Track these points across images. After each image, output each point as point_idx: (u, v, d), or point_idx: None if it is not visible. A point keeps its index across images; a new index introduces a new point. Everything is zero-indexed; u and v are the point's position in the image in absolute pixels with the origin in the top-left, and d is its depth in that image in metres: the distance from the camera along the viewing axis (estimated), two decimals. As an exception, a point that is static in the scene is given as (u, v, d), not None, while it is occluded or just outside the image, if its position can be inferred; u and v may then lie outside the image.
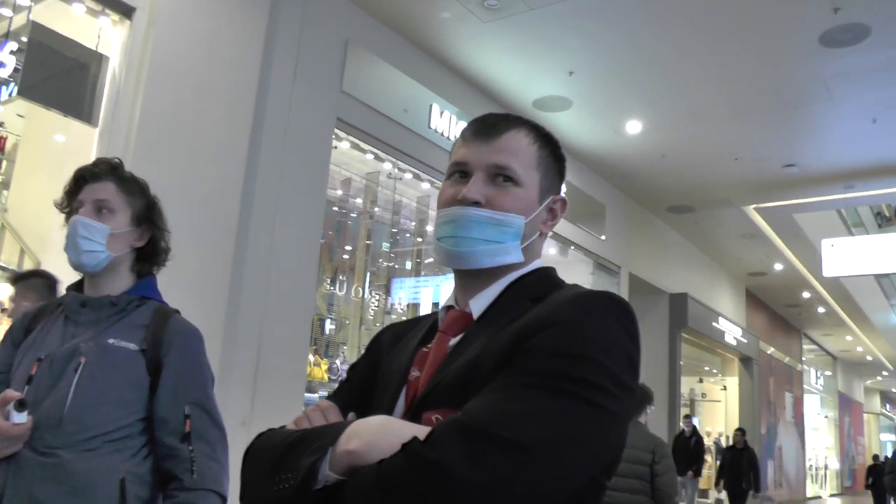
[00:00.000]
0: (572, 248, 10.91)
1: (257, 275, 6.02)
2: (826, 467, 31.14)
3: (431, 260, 9.83)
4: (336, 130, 7.04)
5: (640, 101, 9.07)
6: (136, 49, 5.40)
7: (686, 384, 18.92)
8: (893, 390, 42.77)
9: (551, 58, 8.06)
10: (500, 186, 1.43)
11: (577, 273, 11.34)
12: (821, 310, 21.51)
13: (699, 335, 15.74)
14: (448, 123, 8.26)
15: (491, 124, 1.47)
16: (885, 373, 33.53)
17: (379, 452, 1.12)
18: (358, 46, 7.15)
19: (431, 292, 9.36)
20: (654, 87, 8.69)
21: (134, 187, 2.37)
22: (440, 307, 1.55)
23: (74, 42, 5.37)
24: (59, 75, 5.32)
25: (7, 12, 5.70)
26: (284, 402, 6.09)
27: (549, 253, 10.46)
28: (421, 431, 1.14)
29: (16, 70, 5.37)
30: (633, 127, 9.69)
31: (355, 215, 9.63)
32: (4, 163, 7.40)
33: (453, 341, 1.42)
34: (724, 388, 19.96)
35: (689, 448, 13.41)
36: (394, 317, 9.44)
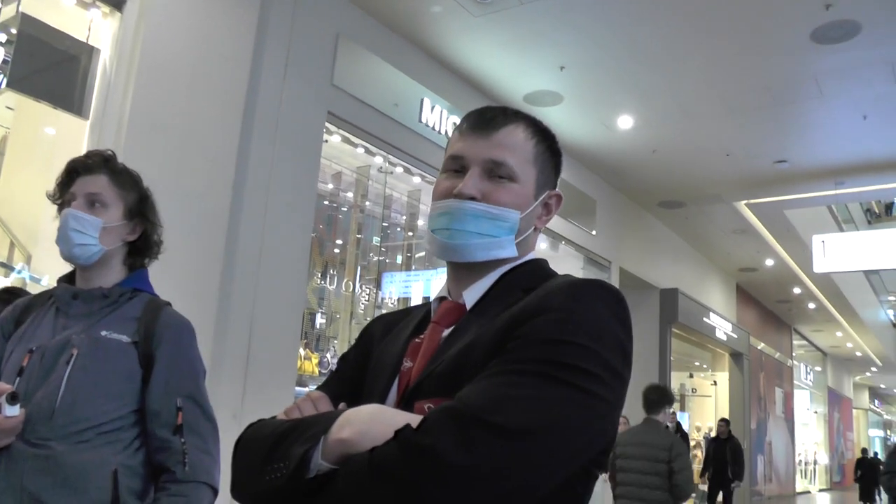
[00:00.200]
0: (563, 242, 10.92)
1: (248, 268, 6.01)
2: (815, 462, 31.27)
3: (422, 254, 9.85)
4: (327, 124, 7.03)
5: (631, 96, 9.07)
6: (127, 41, 5.38)
7: (676, 379, 18.93)
8: (882, 386, 42.94)
9: (542, 52, 8.05)
10: (497, 182, 1.43)
11: (567, 268, 11.33)
12: (811, 306, 21.57)
13: (690, 330, 15.77)
14: (439, 118, 8.26)
15: (488, 118, 1.47)
16: (873, 368, 33.67)
17: (371, 441, 1.12)
18: (349, 40, 7.13)
19: (422, 286, 9.37)
20: (645, 82, 8.70)
21: (127, 180, 2.37)
22: (433, 298, 1.55)
23: (65, 34, 5.35)
24: (49, 67, 5.30)
25: (-3, 4, 5.68)
26: (275, 395, 6.09)
27: (540, 247, 10.46)
28: (413, 420, 1.14)
29: (5, 62, 5.34)
30: (625, 122, 9.69)
31: (346, 209, 9.62)
32: (-6, 155, 7.38)
33: (446, 332, 1.42)
34: (715, 383, 20.00)
35: None
36: (384, 311, 9.41)
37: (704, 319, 16.20)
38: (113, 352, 2.20)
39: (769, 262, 17.05)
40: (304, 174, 6.66)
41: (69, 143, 5.55)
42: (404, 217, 10.00)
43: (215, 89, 5.81)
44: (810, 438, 30.52)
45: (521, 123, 1.49)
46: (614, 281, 12.29)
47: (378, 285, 9.63)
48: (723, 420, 14.01)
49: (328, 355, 8.52)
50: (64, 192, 2.33)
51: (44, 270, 5.23)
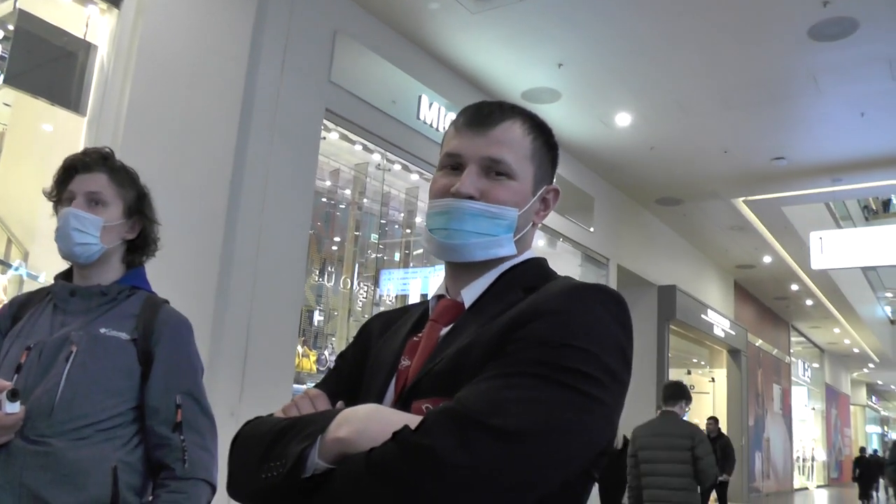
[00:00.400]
0: (561, 240, 10.92)
1: (246, 265, 6.00)
2: (813, 459, 31.33)
3: (420, 251, 9.84)
4: (325, 121, 7.02)
5: (629, 93, 9.07)
6: (125, 38, 5.37)
7: (674, 376, 18.89)
8: (879, 382, 42.99)
9: (540, 49, 8.05)
10: (494, 179, 1.42)
11: (565, 265, 11.35)
12: (808, 302, 21.59)
13: (687, 327, 15.78)
14: (437, 115, 8.25)
15: (485, 114, 1.45)
16: (871, 365, 33.69)
17: (369, 440, 1.12)
18: (346, 37, 7.13)
19: (420, 284, 9.36)
20: (643, 79, 8.70)
21: (125, 178, 2.37)
22: (431, 296, 1.55)
23: (62, 30, 5.34)
24: (47, 64, 5.29)
25: (-7, 1, 5.67)
26: (273, 393, 6.08)
27: (538, 245, 10.46)
28: (411, 419, 1.14)
29: (2, 58, 5.34)
30: (623, 119, 9.70)
31: (344, 206, 9.61)
32: (-9, 152, 7.36)
33: (444, 330, 1.41)
34: (713, 380, 20.01)
35: None
36: (382, 308, 9.42)
37: (702, 316, 16.22)
38: (112, 349, 2.21)
39: (767, 259, 17.07)
40: (301, 171, 6.66)
41: (66, 139, 5.54)
42: (402, 214, 9.99)
43: (213, 86, 5.80)
44: (808, 435, 30.57)
45: (518, 119, 1.47)
46: (612, 278, 12.32)
47: (376, 282, 9.63)
48: (711, 418, 13.81)
49: (326, 352, 8.52)
50: (61, 189, 2.32)
51: (41, 267, 5.22)
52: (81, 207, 2.26)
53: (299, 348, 7.64)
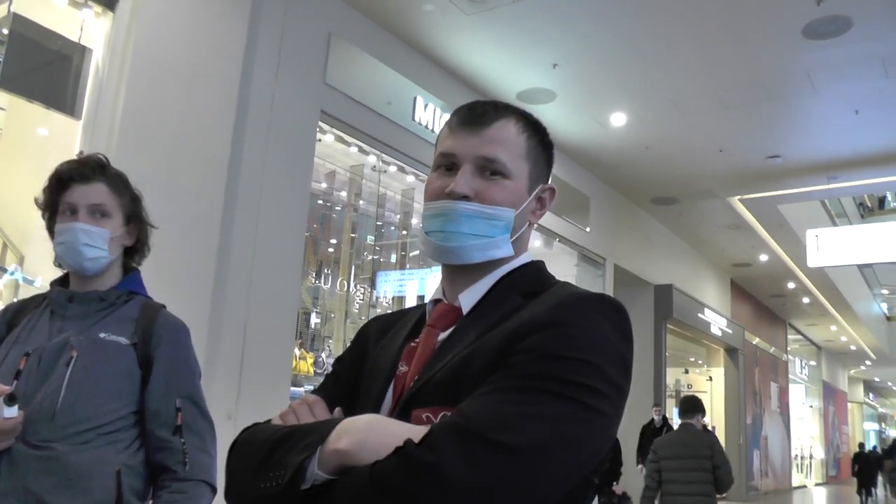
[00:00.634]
0: (557, 240, 10.93)
1: (242, 268, 6.00)
2: (811, 457, 31.35)
3: (416, 253, 9.84)
4: (320, 123, 7.02)
5: (624, 93, 9.08)
6: (119, 41, 5.37)
7: (672, 375, 18.98)
8: (876, 379, 43.05)
9: (535, 50, 8.06)
10: (489, 179, 1.40)
11: (561, 265, 11.35)
12: (805, 300, 21.61)
13: (684, 326, 15.80)
14: (432, 116, 8.26)
15: (479, 113, 1.44)
16: (868, 362, 33.74)
17: (369, 452, 1.11)
18: (341, 39, 7.13)
19: (416, 285, 9.37)
20: (638, 79, 8.71)
21: (122, 185, 2.37)
22: (427, 300, 1.53)
23: (57, 34, 5.33)
24: (42, 67, 5.28)
25: (-12, 5, 5.66)
26: (270, 395, 6.08)
27: (534, 245, 10.47)
28: (412, 431, 1.14)
29: (-3, 62, 5.32)
30: (618, 119, 9.70)
31: (340, 208, 9.62)
32: (-14, 156, 7.35)
33: (442, 336, 1.40)
34: (710, 378, 20.03)
35: None
36: (379, 310, 9.43)
37: (699, 315, 16.23)
38: (112, 353, 2.21)
39: (763, 258, 17.09)
40: (297, 173, 6.66)
41: (62, 143, 5.53)
42: (398, 216, 10.00)
43: (208, 89, 5.80)
44: (806, 433, 30.59)
45: (511, 118, 1.46)
46: (608, 278, 12.33)
47: (372, 284, 9.63)
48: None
49: (323, 355, 8.52)
50: (56, 200, 2.30)
51: (37, 272, 5.22)
52: (87, 221, 2.26)
53: (296, 351, 7.63)
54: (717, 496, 6.73)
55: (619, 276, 12.79)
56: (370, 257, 9.94)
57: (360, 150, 7.98)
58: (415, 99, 8.08)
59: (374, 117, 7.53)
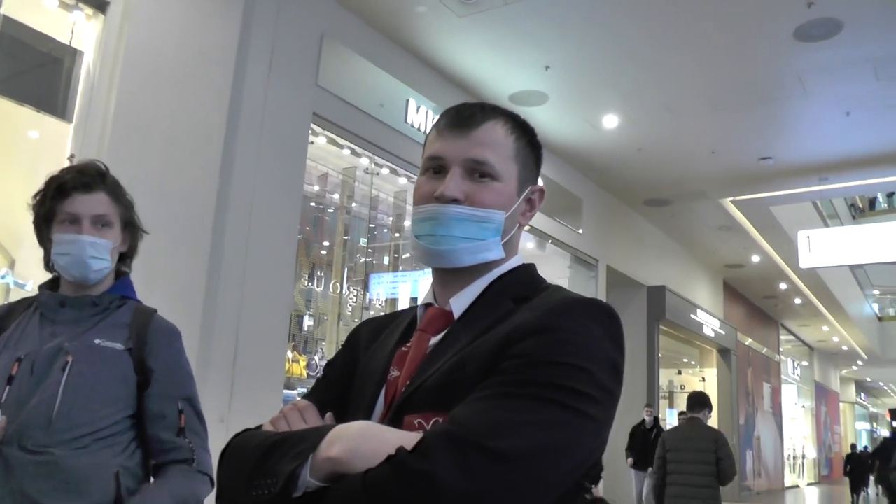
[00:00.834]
0: (549, 242, 10.93)
1: (234, 271, 5.99)
2: (804, 457, 31.40)
3: (409, 255, 9.83)
4: (312, 125, 7.01)
5: (616, 95, 9.09)
6: (111, 44, 5.35)
7: (665, 376, 19.00)
8: (868, 379, 43.15)
9: (527, 52, 8.06)
10: (479, 181, 1.40)
11: (554, 267, 11.37)
12: (797, 301, 21.67)
13: (677, 327, 15.83)
14: (424, 118, 8.25)
15: (466, 116, 1.43)
16: (859, 362, 33.82)
17: (361, 459, 1.11)
18: (333, 41, 7.12)
19: (409, 287, 9.35)
20: (630, 81, 8.72)
21: (120, 194, 2.36)
22: (418, 304, 1.53)
23: (47, 36, 5.32)
24: (33, 70, 5.27)
25: (-22, 7, 5.63)
26: (263, 398, 6.07)
27: (527, 247, 10.48)
28: (404, 438, 1.14)
29: (-13, 65, 5.31)
30: (610, 121, 9.72)
31: (332, 211, 9.61)
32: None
33: (433, 340, 1.40)
34: (703, 379, 20.05)
35: (648, 441, 12.03)
36: (372, 312, 9.42)
37: (692, 316, 16.26)
38: (108, 359, 2.21)
39: (755, 259, 17.13)
40: (289, 175, 6.65)
41: (53, 146, 5.52)
42: (391, 218, 10.00)
43: (200, 91, 5.79)
44: (798, 433, 30.64)
45: (499, 119, 1.45)
46: (601, 279, 12.33)
47: (365, 286, 9.62)
48: (682, 413, 13.42)
49: (316, 357, 8.51)
50: (55, 207, 2.26)
51: (28, 275, 5.20)
52: (91, 232, 2.24)
53: (289, 353, 7.62)
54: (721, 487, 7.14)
55: (611, 278, 12.80)
56: (363, 259, 9.92)
57: (353, 152, 7.97)
58: (407, 101, 8.08)
59: (367, 119, 7.53)
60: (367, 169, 8.66)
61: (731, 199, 13.51)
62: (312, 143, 7.28)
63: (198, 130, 5.74)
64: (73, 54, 5.39)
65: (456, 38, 7.86)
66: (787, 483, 26.44)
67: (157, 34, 5.51)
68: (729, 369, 19.07)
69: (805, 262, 12.88)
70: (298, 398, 1.45)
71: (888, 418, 39.23)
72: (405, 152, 8.01)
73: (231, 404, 5.78)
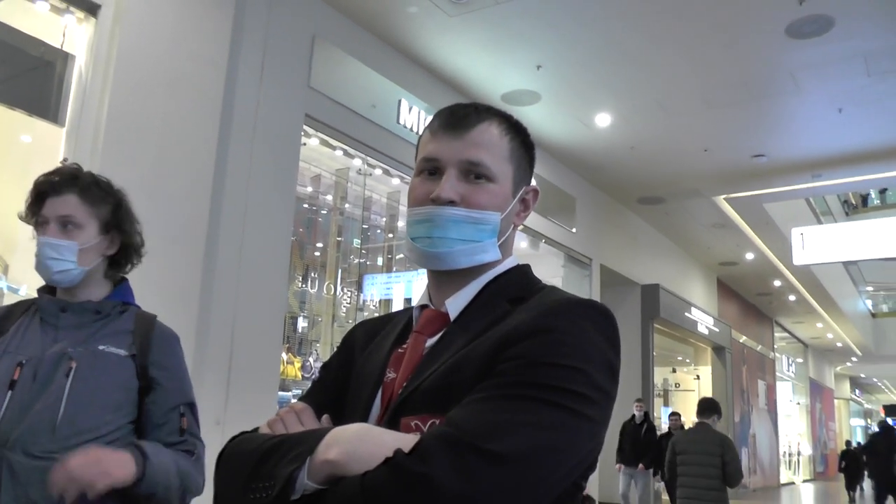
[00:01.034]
0: (543, 241, 10.94)
1: (228, 273, 5.98)
2: (799, 453, 31.46)
3: (403, 256, 9.83)
4: (305, 127, 7.01)
5: (608, 94, 9.10)
6: (103, 47, 5.34)
7: (659, 374, 19.04)
8: (862, 375, 43.24)
9: (519, 52, 8.07)
10: (474, 183, 1.40)
11: (548, 266, 11.38)
12: (791, 298, 21.71)
13: (671, 325, 15.84)
14: (417, 118, 8.25)
15: (461, 116, 1.43)
16: (854, 359, 33.90)
17: (359, 462, 1.11)
18: (325, 42, 7.12)
19: (403, 288, 9.36)
20: (622, 80, 8.73)
21: (97, 195, 2.33)
22: (414, 306, 1.53)
23: (39, 40, 5.30)
24: (24, 74, 5.25)
25: (-32, 12, 5.62)
26: (258, 400, 6.07)
27: (520, 246, 10.49)
28: (401, 440, 1.14)
29: (-22, 70, 5.29)
30: (603, 120, 9.73)
31: (325, 212, 9.61)
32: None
33: (430, 342, 1.40)
34: (698, 377, 20.10)
35: (639, 437, 12.08)
36: (366, 313, 9.43)
37: (686, 314, 16.28)
38: (111, 364, 2.21)
39: (749, 256, 17.16)
40: (282, 177, 6.65)
41: (46, 150, 5.50)
42: (384, 219, 10.00)
43: (192, 94, 5.78)
44: (793, 430, 30.69)
45: (494, 120, 1.45)
46: (595, 278, 12.34)
47: (359, 287, 9.62)
48: (674, 414, 13.26)
49: (311, 359, 8.51)
50: (35, 213, 2.30)
51: (21, 280, 5.19)
52: (54, 233, 2.24)
53: (284, 355, 7.62)
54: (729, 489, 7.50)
55: (605, 277, 12.81)
56: (356, 260, 9.93)
57: (346, 153, 7.97)
58: (399, 102, 8.08)
59: (359, 120, 7.52)
60: (359, 170, 8.67)
61: (725, 196, 13.53)
62: (305, 144, 7.28)
63: (190, 133, 5.73)
64: (64, 58, 5.38)
65: (447, 38, 7.86)
66: (783, 480, 26.48)
67: (148, 37, 5.50)
68: (724, 367, 19.09)
69: (799, 258, 12.94)
70: (294, 400, 1.44)
71: (882, 414, 39.38)
72: (398, 153, 8.01)
73: (227, 407, 5.78)
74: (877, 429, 19.99)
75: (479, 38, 7.84)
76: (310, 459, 1.15)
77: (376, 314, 8.82)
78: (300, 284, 9.21)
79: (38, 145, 5.85)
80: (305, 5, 6.99)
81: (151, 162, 5.40)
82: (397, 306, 9.14)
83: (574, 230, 11.58)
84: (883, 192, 22.64)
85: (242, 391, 5.93)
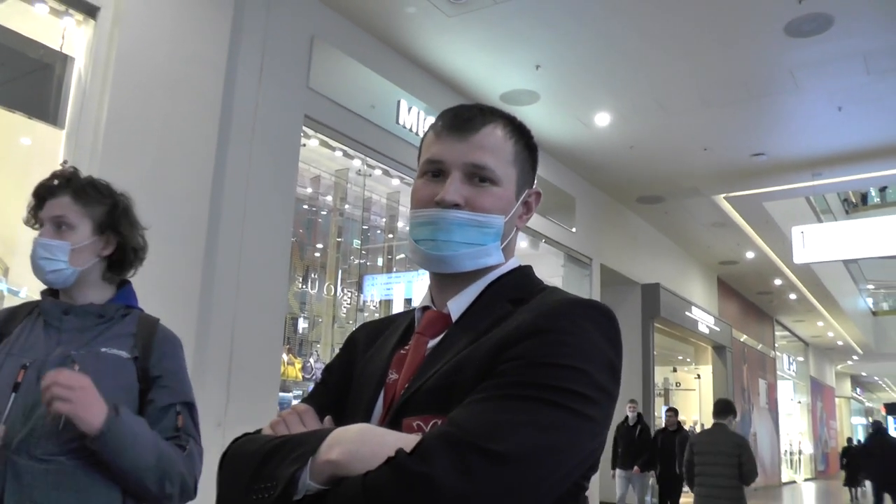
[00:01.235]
0: (543, 241, 10.94)
1: (228, 274, 5.98)
2: (800, 452, 31.45)
3: (403, 256, 9.83)
4: (304, 128, 7.01)
5: (607, 93, 9.10)
6: (102, 49, 5.34)
7: (660, 374, 19.04)
8: (863, 374, 43.27)
9: (518, 51, 8.06)
10: (478, 186, 1.40)
11: (548, 266, 11.38)
12: (792, 296, 21.71)
13: (672, 325, 15.84)
14: (416, 119, 8.25)
15: (465, 118, 1.43)
16: (854, 357, 33.93)
17: (360, 462, 1.11)
18: (324, 42, 7.12)
19: (403, 288, 9.36)
20: (621, 79, 8.73)
21: (91, 196, 2.34)
22: (416, 307, 1.53)
23: (38, 43, 5.30)
24: (24, 77, 5.25)
25: (-33, 14, 5.62)
26: (259, 402, 6.06)
27: (521, 246, 10.49)
28: (403, 440, 1.14)
29: (-23, 73, 5.29)
30: (602, 119, 9.72)
31: (325, 213, 9.62)
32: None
33: (432, 343, 1.40)
34: (698, 376, 20.10)
35: (633, 439, 11.90)
36: (366, 314, 9.43)
37: (686, 313, 16.27)
38: (113, 366, 2.22)
39: (749, 255, 17.15)
40: (282, 178, 6.65)
41: (45, 152, 5.50)
42: (384, 219, 10.00)
43: (191, 95, 5.78)
44: (794, 428, 30.69)
45: (499, 122, 1.45)
46: (595, 277, 12.34)
47: (359, 288, 9.62)
48: (671, 410, 13.05)
49: (311, 360, 8.50)
50: (36, 217, 2.34)
51: (21, 283, 5.19)
52: (48, 234, 2.27)
53: (284, 356, 7.62)
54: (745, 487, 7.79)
55: (605, 276, 12.81)
56: (357, 261, 9.93)
57: (345, 154, 7.97)
58: (398, 102, 8.08)
59: (358, 121, 7.52)
60: (359, 171, 8.67)
61: (725, 195, 13.53)
62: (304, 145, 7.28)
63: (190, 134, 5.73)
64: (63, 60, 5.38)
65: (446, 39, 7.86)
66: (784, 479, 26.48)
67: (147, 39, 5.50)
68: (724, 366, 19.08)
69: (799, 257, 12.91)
70: (295, 401, 1.44)
71: (884, 412, 39.38)
72: (397, 153, 8.01)
73: (227, 408, 5.78)
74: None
75: (477, 38, 7.84)
76: (312, 460, 1.15)
77: (377, 315, 8.83)
78: (300, 285, 9.22)
79: (38, 148, 5.85)
80: (304, 6, 6.99)
81: (151, 163, 5.40)
82: (397, 307, 9.14)
83: (574, 230, 11.58)
84: (883, 190, 22.62)
85: (243, 392, 5.93)
